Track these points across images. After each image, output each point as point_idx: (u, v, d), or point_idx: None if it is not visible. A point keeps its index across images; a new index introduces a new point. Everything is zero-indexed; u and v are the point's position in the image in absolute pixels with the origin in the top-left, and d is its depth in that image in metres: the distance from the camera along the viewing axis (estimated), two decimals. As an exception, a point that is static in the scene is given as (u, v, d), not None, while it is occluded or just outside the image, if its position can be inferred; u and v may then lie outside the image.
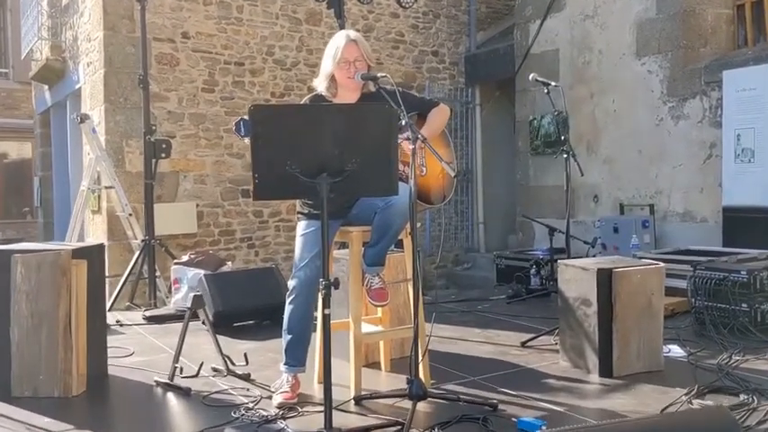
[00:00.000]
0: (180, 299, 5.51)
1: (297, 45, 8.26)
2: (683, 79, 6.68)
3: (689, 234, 6.52)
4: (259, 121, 2.56)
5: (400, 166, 3.25)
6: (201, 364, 3.54)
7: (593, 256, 6.87)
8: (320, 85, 3.29)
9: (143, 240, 6.14)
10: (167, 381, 3.44)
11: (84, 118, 6.46)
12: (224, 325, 4.78)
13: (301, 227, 3.31)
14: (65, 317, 3.31)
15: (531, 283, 6.03)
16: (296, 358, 3.23)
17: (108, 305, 6.26)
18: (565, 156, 4.30)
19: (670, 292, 4.62)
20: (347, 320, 3.27)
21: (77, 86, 8.32)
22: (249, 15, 7.93)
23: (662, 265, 3.64)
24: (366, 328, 3.51)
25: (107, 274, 7.25)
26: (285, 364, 3.24)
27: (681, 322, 4.53)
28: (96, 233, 7.62)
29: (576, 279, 3.65)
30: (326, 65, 3.25)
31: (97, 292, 3.66)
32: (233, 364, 3.64)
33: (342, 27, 6.76)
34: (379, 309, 3.61)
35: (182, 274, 5.56)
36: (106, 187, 6.78)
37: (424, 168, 3.37)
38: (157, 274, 6.30)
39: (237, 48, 7.87)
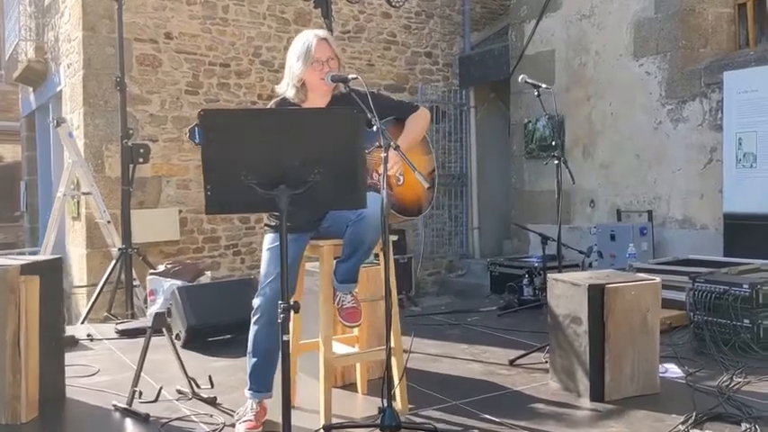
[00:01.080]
0: (154, 311, 5.26)
1: (285, 46, 7.96)
2: (683, 81, 6.44)
3: (689, 241, 6.27)
4: (210, 128, 2.32)
5: (375, 176, 3.03)
6: (160, 389, 3.29)
7: (590, 264, 6.66)
8: (287, 89, 3.04)
9: (119, 249, 5.90)
10: (125, 406, 3.20)
11: (60, 122, 6.23)
12: (197, 340, 4.54)
13: (268, 240, 3.06)
14: (13, 337, 3.07)
15: (523, 294, 5.78)
16: (262, 383, 2.98)
17: (82, 317, 6.06)
18: (556, 162, 4.05)
19: (667, 304, 4.37)
20: (317, 340, 3.03)
21: (59, 89, 8.09)
22: (235, 15, 7.70)
23: (658, 280, 3.38)
24: (340, 348, 3.28)
25: (84, 283, 7.10)
26: (250, 390, 2.99)
27: (679, 338, 4.28)
28: (76, 240, 7.38)
29: (566, 295, 3.40)
30: (295, 67, 2.99)
31: (53, 309, 3.41)
32: (197, 386, 3.40)
33: (329, 27, 6.54)
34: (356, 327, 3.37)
35: (157, 285, 5.31)
36: (84, 193, 6.54)
37: (401, 177, 3.12)
38: (136, 283, 6.08)
39: (223, 48, 7.63)
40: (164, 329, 3.54)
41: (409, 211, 3.17)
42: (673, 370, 3.65)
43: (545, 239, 5.23)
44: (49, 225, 6.49)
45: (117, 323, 5.24)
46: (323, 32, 3.05)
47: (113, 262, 5.92)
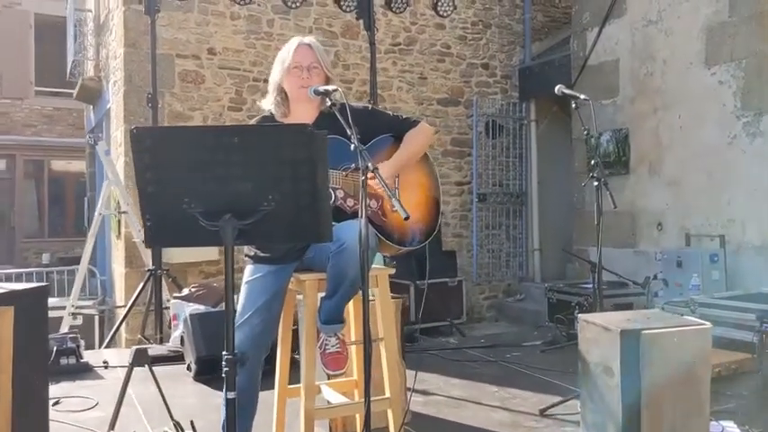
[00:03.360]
0: (177, 337, 5.04)
1: (332, 60, 7.74)
2: (760, 90, 5.76)
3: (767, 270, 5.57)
4: (144, 149, 1.99)
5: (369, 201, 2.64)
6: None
7: (655, 294, 6.04)
8: (268, 103, 2.71)
9: (149, 270, 5.72)
10: (98, 451, 2.92)
11: (96, 140, 6.17)
12: (209, 372, 4.26)
13: (246, 273, 2.73)
14: (-21, 374, 2.84)
15: (574, 327, 5.23)
16: (236, 434, 2.63)
17: (106, 341, 5.91)
18: (595, 183, 3.56)
19: (734, 345, 3.80)
20: (299, 387, 2.66)
21: (108, 106, 8.08)
22: (280, 30, 7.48)
23: (708, 325, 2.85)
24: (332, 395, 2.89)
25: (121, 303, 6.98)
26: (222, 443, 2.64)
27: (743, 386, 3.68)
28: (118, 259, 7.30)
29: (598, 340, 2.91)
30: (275, 73, 2.67)
31: (33, 343, 3.17)
32: (181, 430, 3.09)
33: (372, 40, 6.24)
34: (353, 369, 2.98)
35: (180, 310, 5.09)
36: (121, 212, 6.43)
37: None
38: (168, 305, 5.88)
39: (267, 64, 7.38)
40: (147, 366, 3.25)
41: (408, 241, 2.76)
42: (730, 429, 3.09)
43: (593, 267, 4.68)
44: (87, 243, 6.41)
45: (135, 348, 5.03)
46: (309, 39, 2.71)
47: (142, 283, 5.75)
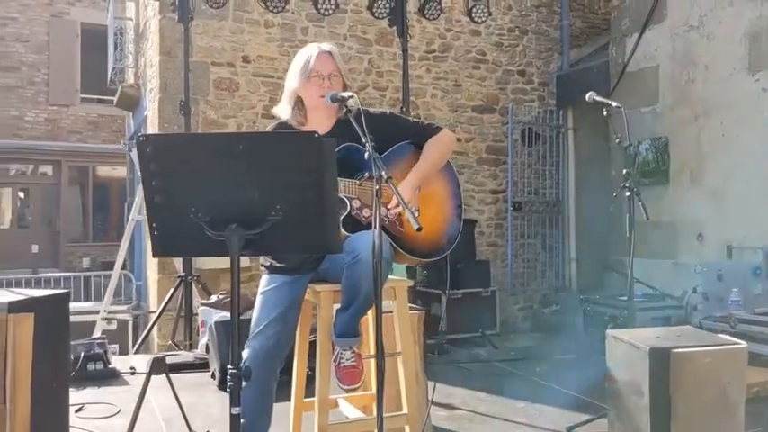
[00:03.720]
0: (203, 344, 5.03)
1: (366, 67, 7.72)
2: (807, 97, 5.54)
3: (814, 285, 5.33)
4: (152, 156, 1.96)
5: (384, 211, 2.58)
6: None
7: (695, 308, 5.84)
8: (283, 110, 2.66)
9: (179, 276, 5.74)
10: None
11: (131, 146, 6.21)
12: (233, 381, 4.23)
13: (262, 282, 2.69)
14: (-2, 381, 2.85)
15: (607, 340, 5.06)
16: (248, 452, 2.58)
17: (136, 345, 5.95)
18: (627, 194, 3.43)
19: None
20: (313, 400, 2.61)
21: (145, 113, 8.18)
22: (314, 37, 7.47)
23: (743, 345, 2.71)
24: (349, 410, 2.83)
25: (155, 309, 7.03)
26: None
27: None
28: (152, 265, 7.36)
29: (627, 358, 2.79)
30: (291, 81, 2.62)
31: (53, 349, 3.18)
32: (199, 441, 3.06)
33: (404, 47, 6.19)
34: (371, 383, 2.91)
35: (207, 317, 5.08)
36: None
37: (417, 212, 2.64)
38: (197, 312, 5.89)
39: (301, 71, 7.40)
40: (165, 375, 3.23)
41: (427, 252, 2.69)
42: (768, 455, 2.93)
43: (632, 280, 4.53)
44: (120, 249, 6.47)
45: (163, 355, 5.04)
46: (328, 45, 2.66)
47: (172, 290, 5.77)
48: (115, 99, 10.02)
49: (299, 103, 2.64)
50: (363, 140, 2.27)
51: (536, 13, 8.60)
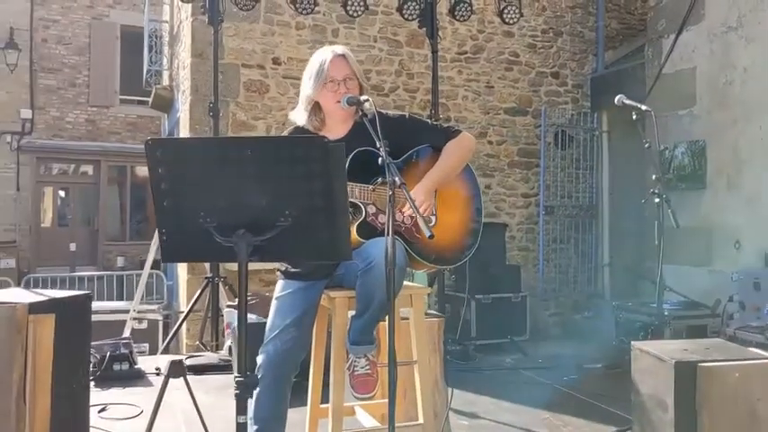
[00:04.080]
0: (228, 346, 5.04)
1: (396, 69, 7.68)
2: None
3: None
4: (160, 161, 1.95)
5: (399, 217, 2.53)
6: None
7: (731, 317, 5.66)
8: (299, 116, 2.63)
9: (206, 277, 5.77)
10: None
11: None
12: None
13: (277, 288, 2.68)
14: (19, 381, 2.86)
15: (638, 349, 4.93)
16: (265, 456, 2.56)
17: (161, 348, 5.98)
18: (657, 200, 3.33)
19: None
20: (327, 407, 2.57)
21: (178, 115, 8.25)
22: (345, 39, 7.45)
23: (774, 359, 2.60)
24: (365, 419, 2.79)
25: (184, 309, 7.08)
26: (247, 466, 2.57)
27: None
28: (182, 265, 7.41)
29: (652, 370, 2.70)
30: (306, 87, 2.59)
31: (75, 350, 3.20)
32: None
33: (434, 48, 6.13)
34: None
35: (232, 318, 5.08)
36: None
37: (433, 218, 2.59)
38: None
39: (331, 73, 7.39)
40: (184, 378, 3.22)
41: (444, 259, 2.63)
42: (802, 475, 2.80)
43: (663, 288, 4.40)
44: (151, 249, 6.52)
45: (187, 357, 5.07)
46: (341, 48, 2.62)
47: (199, 290, 5.80)
48: (150, 100, 10.15)
49: (315, 108, 2.60)
50: (378, 145, 2.23)
51: (571, 14, 8.47)
